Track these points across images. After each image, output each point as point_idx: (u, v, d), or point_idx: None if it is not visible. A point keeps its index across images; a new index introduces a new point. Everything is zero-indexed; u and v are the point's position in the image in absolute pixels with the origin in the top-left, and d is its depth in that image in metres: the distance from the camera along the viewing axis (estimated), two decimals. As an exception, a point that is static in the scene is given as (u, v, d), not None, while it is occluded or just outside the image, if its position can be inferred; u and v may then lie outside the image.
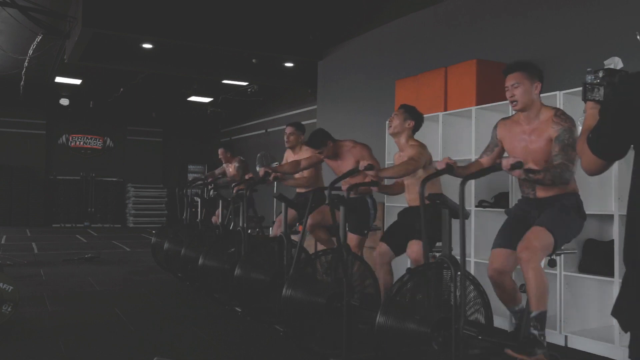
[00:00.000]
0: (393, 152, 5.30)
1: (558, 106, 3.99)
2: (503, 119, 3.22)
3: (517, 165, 2.61)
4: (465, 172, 3.10)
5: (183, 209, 6.98)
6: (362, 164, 3.68)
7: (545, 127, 2.91)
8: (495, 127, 3.18)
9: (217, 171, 7.53)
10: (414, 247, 3.63)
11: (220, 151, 7.23)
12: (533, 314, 2.76)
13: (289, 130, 5.15)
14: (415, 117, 3.94)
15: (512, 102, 2.99)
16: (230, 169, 7.06)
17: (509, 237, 2.94)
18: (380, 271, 3.87)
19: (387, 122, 4.00)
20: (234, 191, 5.33)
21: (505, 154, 3.17)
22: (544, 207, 2.94)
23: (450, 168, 2.94)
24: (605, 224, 3.99)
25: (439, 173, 3.03)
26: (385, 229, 5.42)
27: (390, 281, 3.91)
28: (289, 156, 5.24)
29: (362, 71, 7.95)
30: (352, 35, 8.19)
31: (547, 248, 2.80)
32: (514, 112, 3.26)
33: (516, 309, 3.05)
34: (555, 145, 2.83)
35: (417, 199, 3.83)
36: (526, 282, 2.77)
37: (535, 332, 2.74)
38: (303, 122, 5.46)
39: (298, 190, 5.17)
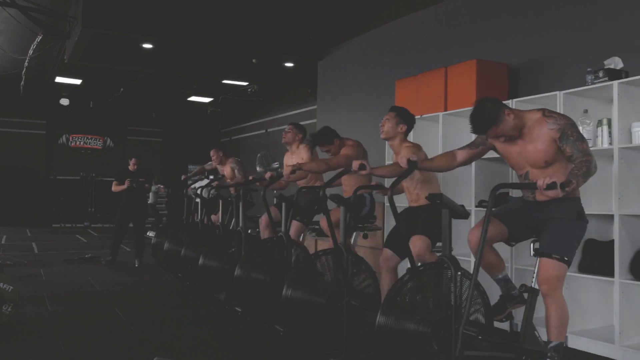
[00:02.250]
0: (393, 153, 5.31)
1: (558, 106, 3.99)
2: None
3: (552, 186, 2.56)
4: (430, 164, 3.15)
5: (183, 209, 6.99)
6: (355, 164, 3.67)
7: (539, 129, 2.85)
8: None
9: (206, 166, 7.51)
10: (417, 242, 3.61)
11: (212, 152, 7.17)
12: (552, 344, 2.76)
13: (288, 127, 5.17)
14: (407, 121, 3.90)
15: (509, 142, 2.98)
16: (226, 170, 6.97)
17: (506, 215, 2.97)
18: (387, 277, 3.84)
19: (380, 126, 3.96)
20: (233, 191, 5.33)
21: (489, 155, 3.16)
22: (544, 210, 2.91)
23: (414, 164, 2.97)
24: (605, 224, 3.99)
25: (406, 174, 3.05)
26: (385, 229, 5.43)
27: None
28: (287, 158, 5.24)
29: (362, 71, 7.94)
30: (352, 35, 8.18)
31: (563, 275, 2.82)
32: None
33: (500, 277, 3.08)
34: (565, 146, 2.77)
35: (416, 200, 3.84)
36: (547, 313, 2.78)
37: None
38: (303, 122, 5.47)
39: (299, 185, 5.16)
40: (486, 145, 3.13)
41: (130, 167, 7.84)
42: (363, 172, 3.49)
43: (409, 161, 3.00)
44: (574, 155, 2.74)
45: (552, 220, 2.86)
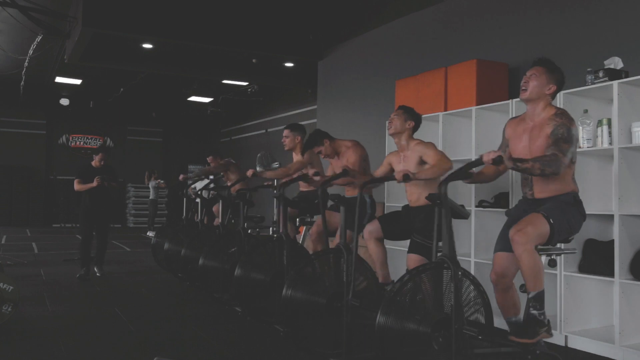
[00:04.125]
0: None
1: (558, 106, 3.99)
2: (512, 117, 3.25)
3: (498, 160, 2.63)
4: (480, 176, 3.14)
5: (183, 209, 6.99)
6: (399, 176, 3.64)
7: (544, 125, 2.92)
8: (505, 126, 3.20)
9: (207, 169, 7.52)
10: (413, 259, 3.66)
11: (209, 159, 7.22)
12: (531, 295, 2.78)
13: (284, 132, 5.15)
14: (414, 118, 3.96)
15: (522, 89, 3.01)
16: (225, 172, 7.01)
17: (509, 240, 2.94)
18: (370, 244, 3.97)
19: (386, 122, 3.99)
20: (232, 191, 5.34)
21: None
22: (543, 206, 2.94)
23: (406, 177, 3.14)
24: (605, 224, 3.99)
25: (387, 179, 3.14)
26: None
27: (382, 254, 4.00)
28: (294, 159, 5.25)
29: (362, 71, 7.95)
30: (352, 35, 8.19)
31: (542, 235, 2.79)
32: (514, 114, 3.26)
33: (513, 320, 3.04)
34: (549, 139, 2.85)
35: (418, 200, 3.84)
36: (520, 264, 2.78)
37: (535, 312, 2.76)
38: (303, 122, 5.47)
39: (301, 188, 5.16)
40: (509, 146, 3.15)
41: (95, 163, 6.82)
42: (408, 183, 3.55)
43: (404, 176, 3.14)
44: (551, 148, 2.81)
45: (548, 202, 2.92)
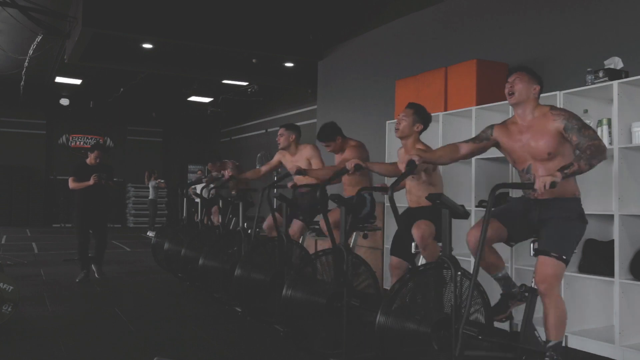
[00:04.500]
0: (393, 153, 5.31)
1: (558, 106, 3.99)
2: (498, 124, 3.15)
3: (553, 186, 2.54)
4: (433, 155, 3.13)
5: (183, 209, 7.00)
6: (350, 165, 3.69)
7: (544, 123, 2.89)
8: (492, 127, 3.14)
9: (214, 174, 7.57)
10: (422, 225, 3.58)
11: (209, 166, 7.28)
12: (551, 344, 2.77)
13: (279, 131, 5.16)
14: (424, 120, 3.82)
15: (509, 94, 3.01)
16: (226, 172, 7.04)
17: (505, 216, 2.98)
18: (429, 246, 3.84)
19: (391, 122, 3.96)
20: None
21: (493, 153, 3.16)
22: (544, 210, 2.91)
23: (413, 165, 2.96)
24: (605, 224, 3.99)
25: (406, 174, 3.04)
26: (385, 229, 5.44)
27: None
28: (284, 157, 5.23)
29: (362, 71, 7.95)
30: (352, 35, 8.19)
31: (561, 274, 2.81)
32: (513, 113, 3.24)
33: (499, 275, 3.08)
34: (570, 135, 2.79)
35: (418, 201, 3.84)
36: (545, 312, 2.78)
37: None
38: (303, 123, 5.47)
39: (300, 190, 5.16)
40: (490, 141, 3.12)
41: (90, 161, 6.47)
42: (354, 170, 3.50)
43: (408, 162, 2.97)
44: (581, 142, 2.75)
45: (552, 220, 2.87)
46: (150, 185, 13.70)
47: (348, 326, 3.31)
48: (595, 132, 2.78)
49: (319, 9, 8.03)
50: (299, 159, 5.04)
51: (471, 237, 2.95)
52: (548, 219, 2.88)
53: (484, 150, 3.18)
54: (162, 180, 13.92)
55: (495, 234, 2.96)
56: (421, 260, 3.65)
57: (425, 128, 3.84)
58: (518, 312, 3.09)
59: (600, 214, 3.85)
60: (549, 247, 2.81)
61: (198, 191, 6.66)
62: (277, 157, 5.32)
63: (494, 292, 3.15)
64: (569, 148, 2.87)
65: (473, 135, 4.64)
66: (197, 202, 6.78)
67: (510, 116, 3.88)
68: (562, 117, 2.84)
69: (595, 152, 2.64)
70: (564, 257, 2.78)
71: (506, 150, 3.08)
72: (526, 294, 2.97)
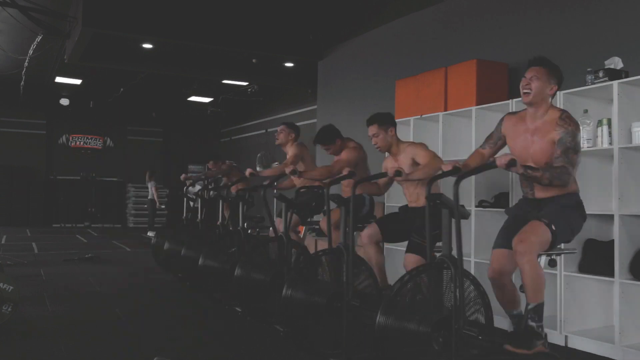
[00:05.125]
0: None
1: (558, 106, 3.99)
2: (510, 113, 3.20)
3: (511, 164, 2.61)
4: (468, 168, 3.10)
5: (183, 209, 6.99)
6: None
7: (549, 128, 2.88)
8: (502, 120, 3.15)
9: (208, 173, 7.57)
10: (410, 259, 3.65)
11: (210, 164, 7.31)
12: (530, 306, 2.76)
13: (280, 127, 5.18)
14: (391, 122, 3.93)
15: (524, 93, 2.95)
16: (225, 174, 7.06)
17: (508, 237, 2.93)
18: (370, 250, 3.95)
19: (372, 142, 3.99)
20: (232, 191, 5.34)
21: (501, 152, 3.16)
22: (544, 207, 2.93)
23: (457, 170, 2.93)
24: (605, 224, 3.99)
25: (445, 174, 3.02)
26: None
27: (381, 260, 4.00)
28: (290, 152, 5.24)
29: (362, 71, 7.95)
30: (352, 35, 8.18)
31: (544, 243, 2.78)
32: (519, 109, 3.24)
33: (514, 313, 3.04)
34: (557, 148, 2.82)
35: (416, 200, 3.84)
36: (522, 275, 2.76)
37: (533, 323, 2.75)
38: (303, 123, 5.48)
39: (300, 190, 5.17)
40: (503, 140, 3.14)
41: None
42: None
43: (454, 167, 2.95)
44: (560, 158, 2.79)
45: (549, 206, 2.90)
46: (150, 186, 13.70)
47: (348, 326, 3.31)
48: (576, 158, 2.81)
49: (319, 9, 8.02)
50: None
51: (491, 272, 2.97)
52: (547, 207, 2.91)
53: (500, 149, 3.18)
54: (160, 185, 13.91)
55: (509, 263, 2.92)
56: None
57: (395, 127, 3.96)
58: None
59: (600, 214, 3.85)
60: (540, 217, 2.83)
61: (195, 190, 6.66)
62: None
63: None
64: None
65: (473, 136, 4.66)
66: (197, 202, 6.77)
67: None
68: (563, 129, 2.84)
69: (561, 175, 2.72)
70: (553, 228, 2.76)
71: (509, 146, 3.09)
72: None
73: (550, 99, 2.98)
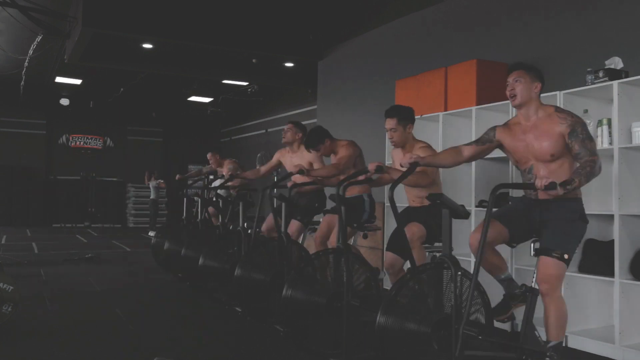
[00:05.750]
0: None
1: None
2: (500, 125, 3.15)
3: (551, 187, 2.57)
4: (436, 159, 3.13)
5: (183, 209, 6.99)
6: (371, 166, 3.66)
7: (549, 124, 2.87)
8: (494, 128, 3.13)
9: (204, 169, 7.56)
10: (412, 228, 3.62)
11: (209, 155, 7.31)
12: (551, 344, 2.77)
13: (287, 126, 5.14)
14: (411, 118, 3.86)
15: (511, 97, 2.98)
16: (224, 172, 7.03)
17: (507, 217, 2.96)
18: (394, 280, 3.85)
19: (386, 137, 3.95)
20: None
21: (495, 154, 3.16)
22: (546, 211, 2.91)
23: (414, 166, 2.97)
24: (605, 224, 3.99)
25: (407, 174, 3.05)
26: (385, 229, 5.43)
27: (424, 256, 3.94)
28: (284, 156, 5.22)
29: (362, 71, 7.95)
30: (352, 35, 8.19)
31: (562, 274, 2.81)
32: (514, 114, 3.24)
33: (502, 277, 3.07)
34: (573, 143, 2.79)
35: (416, 201, 3.84)
36: (546, 313, 2.79)
37: None
38: (303, 122, 5.47)
39: (299, 190, 5.16)
40: (493, 143, 3.11)
41: None
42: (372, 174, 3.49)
43: (411, 164, 2.98)
44: (581, 153, 2.75)
45: (553, 221, 2.87)
46: (150, 186, 13.71)
47: (348, 326, 3.31)
48: (595, 146, 2.78)
49: (319, 9, 8.03)
50: (300, 159, 5.04)
51: (473, 239, 2.94)
52: (550, 220, 2.88)
53: (487, 152, 3.17)
54: (162, 180, 13.92)
55: (497, 235, 2.96)
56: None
57: (413, 124, 3.87)
58: (519, 313, 3.08)
59: (600, 214, 3.85)
60: (550, 247, 2.80)
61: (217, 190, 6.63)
62: (276, 157, 5.31)
63: (495, 293, 3.15)
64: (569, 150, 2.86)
65: (473, 136, 4.66)
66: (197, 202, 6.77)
67: (510, 116, 3.88)
68: (568, 122, 2.82)
69: (593, 169, 2.67)
70: (566, 257, 2.78)
71: (509, 151, 3.07)
72: (527, 294, 2.97)
73: (538, 97, 2.97)
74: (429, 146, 3.84)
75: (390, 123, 3.83)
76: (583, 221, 2.92)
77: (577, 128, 2.79)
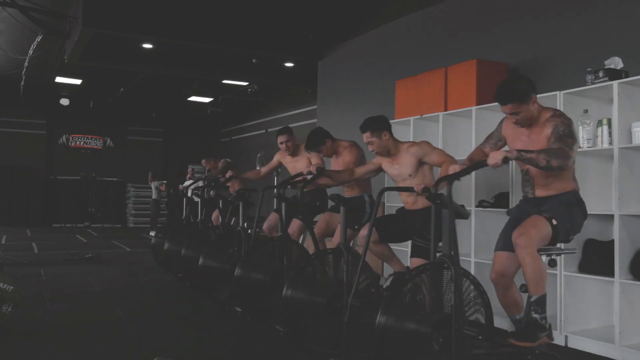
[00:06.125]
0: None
1: (558, 106, 3.99)
2: (507, 118, 3.19)
3: (505, 160, 2.63)
4: (472, 162, 3.10)
5: (182, 209, 7.00)
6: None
7: (541, 129, 2.92)
8: (501, 122, 3.18)
9: (208, 177, 7.62)
10: (417, 263, 3.63)
11: (203, 162, 7.40)
12: (532, 299, 2.78)
13: (284, 138, 5.10)
14: (385, 125, 3.86)
15: (519, 124, 2.98)
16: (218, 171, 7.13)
17: (510, 239, 2.93)
18: (371, 246, 3.90)
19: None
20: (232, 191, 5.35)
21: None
22: (544, 205, 2.94)
23: (321, 171, 2.98)
24: (605, 224, 3.99)
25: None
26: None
27: (385, 248, 4.03)
28: (284, 157, 5.23)
29: (362, 71, 7.94)
30: (352, 35, 8.18)
31: (545, 237, 2.80)
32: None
33: (517, 317, 3.05)
34: (551, 137, 2.84)
35: (414, 203, 3.83)
36: (523, 268, 2.78)
37: (537, 315, 2.77)
38: (303, 123, 5.48)
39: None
40: (502, 140, 3.16)
41: None
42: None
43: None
44: (555, 143, 2.78)
45: (550, 204, 2.91)
46: (152, 186, 13.71)
47: (348, 326, 3.30)
48: (573, 144, 2.78)
49: (319, 9, 8.02)
50: (300, 159, 5.05)
51: (493, 276, 2.98)
52: (547, 204, 2.92)
53: (502, 148, 3.18)
54: (164, 182, 13.90)
55: (512, 265, 2.94)
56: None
57: (390, 128, 3.89)
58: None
59: (600, 214, 3.85)
60: (541, 212, 2.84)
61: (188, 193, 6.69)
62: (276, 158, 5.33)
63: (495, 292, 3.15)
64: None
65: (473, 136, 4.66)
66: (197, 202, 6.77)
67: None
68: (552, 123, 2.85)
69: (558, 154, 2.67)
70: (554, 223, 2.78)
71: (510, 147, 3.09)
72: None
73: (537, 106, 2.95)
74: (415, 143, 3.85)
75: (365, 137, 3.88)
76: (580, 209, 2.94)
77: (560, 127, 2.82)
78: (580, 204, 2.96)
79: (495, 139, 3.19)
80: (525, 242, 2.73)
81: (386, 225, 3.98)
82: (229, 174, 5.34)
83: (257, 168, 9.86)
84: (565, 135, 2.79)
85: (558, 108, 3.95)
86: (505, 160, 2.65)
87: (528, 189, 3.04)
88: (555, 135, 2.82)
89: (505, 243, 2.97)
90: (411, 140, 5.28)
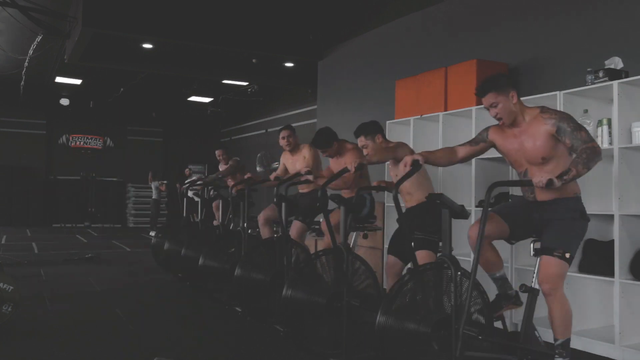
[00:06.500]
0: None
1: (558, 106, 3.99)
2: (495, 125, 3.12)
3: (550, 184, 2.57)
4: (433, 157, 3.09)
5: (184, 209, 6.99)
6: (303, 170, 3.85)
7: (535, 127, 2.85)
8: (487, 129, 3.13)
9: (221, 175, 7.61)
10: (422, 255, 3.63)
11: (218, 152, 7.39)
12: (558, 342, 2.79)
13: (286, 133, 5.12)
14: (377, 129, 3.95)
15: (498, 119, 2.95)
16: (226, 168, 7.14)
17: (507, 213, 2.96)
18: (391, 282, 3.87)
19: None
20: (233, 191, 5.35)
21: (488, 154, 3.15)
22: (546, 212, 2.90)
23: (417, 164, 2.98)
24: (605, 224, 3.99)
25: (409, 175, 3.06)
26: (385, 229, 5.44)
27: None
28: (285, 157, 5.24)
29: (362, 71, 7.94)
30: (352, 35, 8.18)
31: (564, 273, 2.81)
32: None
33: (497, 275, 3.08)
34: (564, 138, 2.76)
35: (409, 200, 3.85)
36: (551, 312, 2.80)
37: (561, 359, 2.78)
38: (303, 123, 5.49)
39: (300, 190, 5.16)
40: (487, 143, 3.10)
41: None
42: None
43: (413, 162, 2.96)
44: (574, 144, 2.72)
45: (554, 220, 2.86)
46: (153, 186, 13.71)
47: (348, 326, 3.31)
48: (588, 134, 2.74)
49: (319, 9, 8.02)
50: (298, 159, 5.05)
51: (472, 232, 2.93)
52: (551, 219, 2.87)
53: (481, 152, 3.17)
54: (165, 182, 13.90)
55: (496, 230, 2.95)
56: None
57: (382, 131, 3.99)
58: (518, 313, 3.08)
59: (600, 214, 3.85)
60: (552, 246, 2.80)
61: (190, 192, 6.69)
62: (282, 161, 5.32)
63: (494, 292, 3.15)
64: (563, 150, 2.83)
65: (473, 136, 4.66)
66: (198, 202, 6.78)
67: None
68: (553, 120, 2.80)
69: (591, 155, 2.63)
70: (567, 256, 2.77)
71: (503, 153, 3.07)
72: (517, 293, 2.98)
73: (518, 103, 2.92)
74: (398, 144, 3.88)
75: (360, 142, 3.98)
76: (584, 219, 2.91)
77: (563, 123, 2.77)
78: (584, 214, 2.91)
79: (478, 140, 3.13)
80: (551, 288, 2.76)
81: (397, 244, 3.91)
82: (247, 175, 5.31)
83: (257, 168, 9.89)
84: (576, 129, 2.73)
85: (558, 108, 3.97)
86: (549, 184, 2.57)
87: (528, 193, 3.00)
88: (568, 134, 2.73)
89: (502, 211, 3.01)
90: (411, 140, 5.30)
